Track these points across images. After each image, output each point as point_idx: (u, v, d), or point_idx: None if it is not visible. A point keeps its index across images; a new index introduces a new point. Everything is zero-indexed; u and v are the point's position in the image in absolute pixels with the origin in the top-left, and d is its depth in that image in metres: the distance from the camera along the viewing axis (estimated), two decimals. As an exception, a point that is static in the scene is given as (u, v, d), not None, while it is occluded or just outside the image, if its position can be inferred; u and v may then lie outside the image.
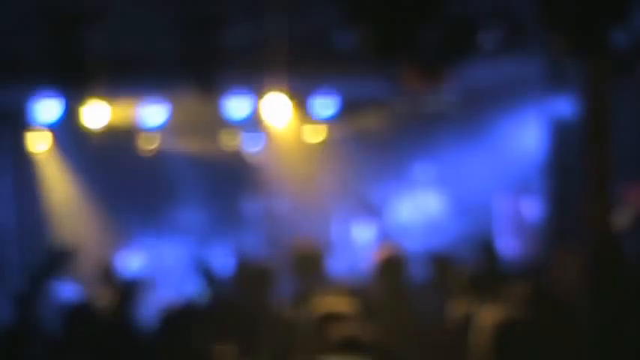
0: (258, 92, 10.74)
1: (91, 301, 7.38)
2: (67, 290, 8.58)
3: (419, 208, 12.28)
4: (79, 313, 6.43)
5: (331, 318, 4.90)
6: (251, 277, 6.92)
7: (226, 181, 12.49)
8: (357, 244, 11.90)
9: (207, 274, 7.76)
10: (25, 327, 6.63)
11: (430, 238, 11.13)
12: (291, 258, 7.26)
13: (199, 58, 8.42)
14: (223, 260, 10.60)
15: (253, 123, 11.33)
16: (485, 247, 7.83)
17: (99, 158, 11.66)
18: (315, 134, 12.19)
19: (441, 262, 7.18)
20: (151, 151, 11.76)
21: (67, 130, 10.88)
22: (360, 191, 12.66)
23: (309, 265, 7.10)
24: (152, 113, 10.96)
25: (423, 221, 12.13)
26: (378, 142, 12.38)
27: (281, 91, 10.77)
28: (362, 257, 9.84)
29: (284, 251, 8.50)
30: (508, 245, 10.28)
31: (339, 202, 12.60)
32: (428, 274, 7.21)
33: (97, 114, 10.35)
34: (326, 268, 7.31)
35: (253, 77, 9.93)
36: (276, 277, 7.21)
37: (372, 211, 12.48)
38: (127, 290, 7.30)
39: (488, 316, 4.49)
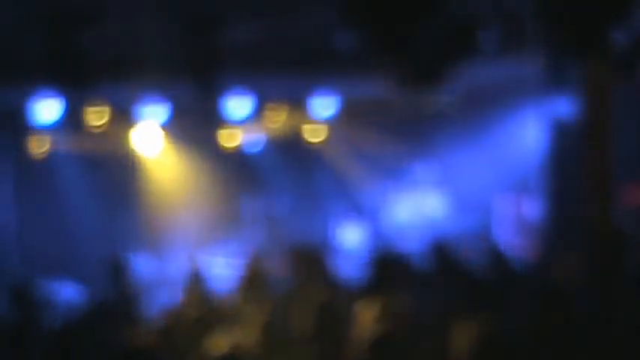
0: (259, 92, 10.74)
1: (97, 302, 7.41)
2: (68, 290, 8.59)
3: (418, 208, 12.28)
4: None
5: None
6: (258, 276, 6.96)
7: (226, 181, 12.49)
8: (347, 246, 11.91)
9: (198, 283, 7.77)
10: (26, 325, 6.65)
11: (429, 238, 11.13)
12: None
13: (199, 58, 8.41)
14: (223, 261, 10.61)
15: (253, 123, 11.33)
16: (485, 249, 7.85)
17: (99, 158, 11.66)
18: (315, 134, 12.20)
19: (443, 254, 7.24)
20: (151, 150, 11.76)
21: (67, 130, 10.88)
22: (351, 193, 12.67)
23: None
24: (152, 113, 10.95)
25: (421, 221, 12.13)
26: (377, 142, 12.38)
27: (281, 91, 10.78)
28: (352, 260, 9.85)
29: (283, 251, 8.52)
30: (508, 245, 10.27)
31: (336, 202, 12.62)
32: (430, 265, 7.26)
33: (97, 114, 10.36)
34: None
35: (253, 77, 9.93)
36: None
37: (362, 213, 12.50)
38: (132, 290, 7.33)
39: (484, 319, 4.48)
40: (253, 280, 7.28)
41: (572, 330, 5.49)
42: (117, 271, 8.14)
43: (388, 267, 6.91)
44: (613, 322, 5.90)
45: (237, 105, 10.83)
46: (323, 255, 7.50)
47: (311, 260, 7.19)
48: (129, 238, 11.60)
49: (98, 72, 8.17)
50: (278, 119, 11.68)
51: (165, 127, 11.18)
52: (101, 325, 6.69)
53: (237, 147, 12.20)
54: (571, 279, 6.67)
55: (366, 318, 5.18)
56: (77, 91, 8.41)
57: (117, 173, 11.82)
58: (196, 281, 7.84)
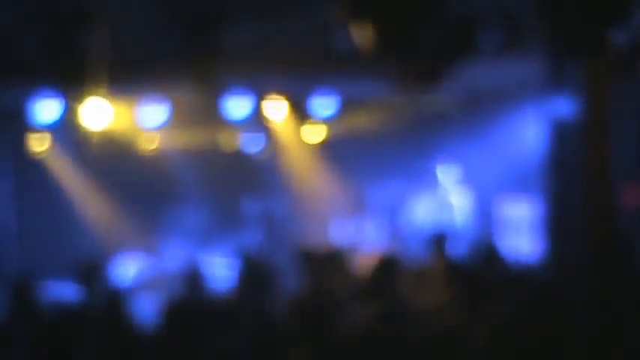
0: (258, 92, 10.74)
1: (84, 302, 7.40)
2: (65, 290, 8.58)
3: (435, 209, 12.23)
4: (71, 314, 6.45)
5: None
6: (254, 277, 6.95)
7: (226, 181, 12.49)
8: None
9: (196, 278, 7.77)
10: (19, 324, 6.65)
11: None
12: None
13: (199, 58, 8.41)
14: (222, 261, 10.61)
15: (253, 123, 11.34)
16: (485, 247, 7.86)
17: (99, 158, 11.66)
18: (315, 134, 12.20)
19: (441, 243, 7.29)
20: (151, 151, 11.77)
21: (66, 131, 10.89)
22: (356, 191, 12.67)
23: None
24: (152, 113, 10.96)
25: (438, 222, 12.10)
26: (377, 143, 12.38)
27: (281, 91, 10.78)
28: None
29: (285, 251, 8.52)
30: (508, 245, 10.28)
31: (338, 202, 12.61)
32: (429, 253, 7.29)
33: (96, 114, 10.36)
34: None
35: (253, 77, 9.93)
36: (278, 277, 7.23)
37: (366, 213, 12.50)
38: (117, 293, 7.32)
39: (483, 318, 4.48)
40: None
41: (572, 329, 5.50)
42: (92, 273, 8.13)
43: (391, 266, 6.93)
44: (614, 320, 5.91)
45: (237, 105, 10.84)
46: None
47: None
48: (126, 237, 11.61)
49: (98, 72, 8.17)
50: (278, 119, 11.69)
51: (165, 126, 11.18)
52: (95, 324, 6.70)
53: (237, 147, 12.21)
54: (571, 279, 6.68)
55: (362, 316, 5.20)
56: (77, 90, 8.41)
57: (117, 172, 11.82)
58: (195, 279, 7.85)
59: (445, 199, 12.19)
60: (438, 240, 7.76)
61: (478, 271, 7.09)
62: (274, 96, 11.01)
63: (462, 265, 7.20)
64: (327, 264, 7.24)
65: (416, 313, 6.08)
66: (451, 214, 12.07)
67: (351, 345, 4.52)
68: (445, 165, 12.25)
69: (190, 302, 6.93)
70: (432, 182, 12.30)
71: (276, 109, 11.25)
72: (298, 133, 12.19)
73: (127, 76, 9.35)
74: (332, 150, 12.47)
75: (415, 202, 12.36)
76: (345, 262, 7.69)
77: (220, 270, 10.05)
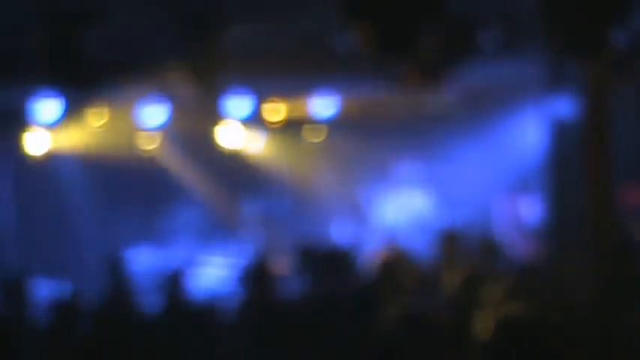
0: (258, 92, 10.74)
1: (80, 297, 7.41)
2: (55, 286, 8.58)
3: (404, 208, 12.30)
4: (66, 309, 6.47)
5: None
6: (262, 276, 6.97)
7: (226, 181, 12.49)
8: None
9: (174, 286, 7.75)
10: (13, 320, 6.66)
11: (419, 238, 11.12)
12: None
13: (199, 58, 8.42)
14: (221, 260, 10.61)
15: (253, 123, 11.34)
16: (487, 247, 7.87)
17: (98, 158, 11.67)
18: (315, 134, 12.20)
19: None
20: (151, 151, 11.78)
21: (67, 130, 10.89)
22: (356, 190, 12.69)
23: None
24: (152, 113, 10.96)
25: (409, 221, 12.15)
26: (377, 142, 12.38)
27: (280, 91, 10.79)
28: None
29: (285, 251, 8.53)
30: (507, 245, 10.28)
31: (339, 201, 12.63)
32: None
33: (96, 114, 10.38)
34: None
35: (253, 77, 9.93)
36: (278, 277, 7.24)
37: (358, 212, 12.53)
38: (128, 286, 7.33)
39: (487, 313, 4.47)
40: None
41: (571, 329, 5.50)
42: (115, 267, 8.14)
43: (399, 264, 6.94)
44: (614, 320, 5.91)
45: (237, 105, 10.84)
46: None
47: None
48: (129, 236, 11.61)
49: (98, 72, 8.17)
50: (278, 119, 11.70)
51: (165, 126, 11.19)
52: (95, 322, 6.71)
53: (236, 147, 12.21)
54: (571, 279, 6.68)
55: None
56: (77, 90, 8.41)
57: (117, 172, 11.83)
58: (175, 281, 7.84)
59: (415, 199, 12.26)
60: (445, 238, 7.77)
61: (480, 270, 7.09)
62: (274, 96, 11.01)
63: (465, 264, 7.20)
64: (328, 263, 7.23)
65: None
66: (421, 213, 12.14)
67: (378, 349, 4.51)
68: (418, 164, 12.32)
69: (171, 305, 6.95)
70: (425, 181, 12.34)
71: (276, 109, 11.25)
72: (298, 133, 12.19)
73: (127, 76, 9.35)
74: (332, 150, 12.48)
75: (414, 199, 12.38)
76: (348, 262, 7.68)
77: (219, 270, 10.06)
